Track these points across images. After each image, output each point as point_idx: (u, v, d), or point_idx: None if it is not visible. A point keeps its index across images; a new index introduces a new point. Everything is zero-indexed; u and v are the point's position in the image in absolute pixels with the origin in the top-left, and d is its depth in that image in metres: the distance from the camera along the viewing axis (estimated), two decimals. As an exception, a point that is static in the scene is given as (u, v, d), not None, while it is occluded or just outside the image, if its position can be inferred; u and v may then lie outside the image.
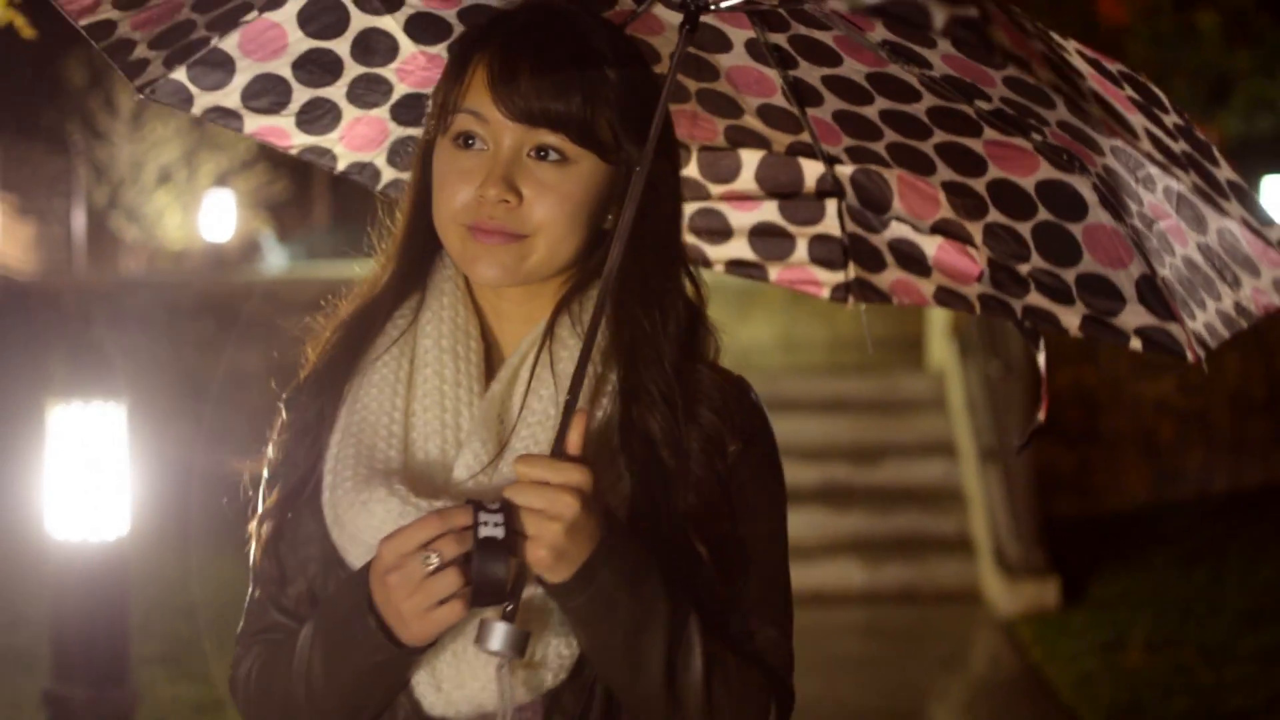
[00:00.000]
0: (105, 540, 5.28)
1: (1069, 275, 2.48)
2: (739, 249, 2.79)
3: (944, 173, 2.51)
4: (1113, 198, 2.39)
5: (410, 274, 2.24)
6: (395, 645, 2.04)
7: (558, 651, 2.10)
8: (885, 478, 11.32)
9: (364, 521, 2.11)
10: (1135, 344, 2.48)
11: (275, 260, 16.41)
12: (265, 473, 2.28)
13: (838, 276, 2.74)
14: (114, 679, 5.31)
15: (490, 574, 1.96)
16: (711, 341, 2.23)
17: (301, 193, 22.59)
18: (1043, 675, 8.40)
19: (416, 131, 2.48)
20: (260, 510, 2.27)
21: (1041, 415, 2.70)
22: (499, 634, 2.00)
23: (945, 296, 2.66)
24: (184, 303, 12.86)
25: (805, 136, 2.57)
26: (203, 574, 9.30)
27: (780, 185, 2.68)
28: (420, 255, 2.25)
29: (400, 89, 2.47)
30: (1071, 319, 2.51)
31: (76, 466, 5.28)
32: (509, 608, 2.01)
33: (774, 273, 2.79)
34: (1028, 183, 2.45)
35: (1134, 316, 2.45)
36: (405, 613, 2.01)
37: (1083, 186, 2.41)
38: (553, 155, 2.11)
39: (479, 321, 2.24)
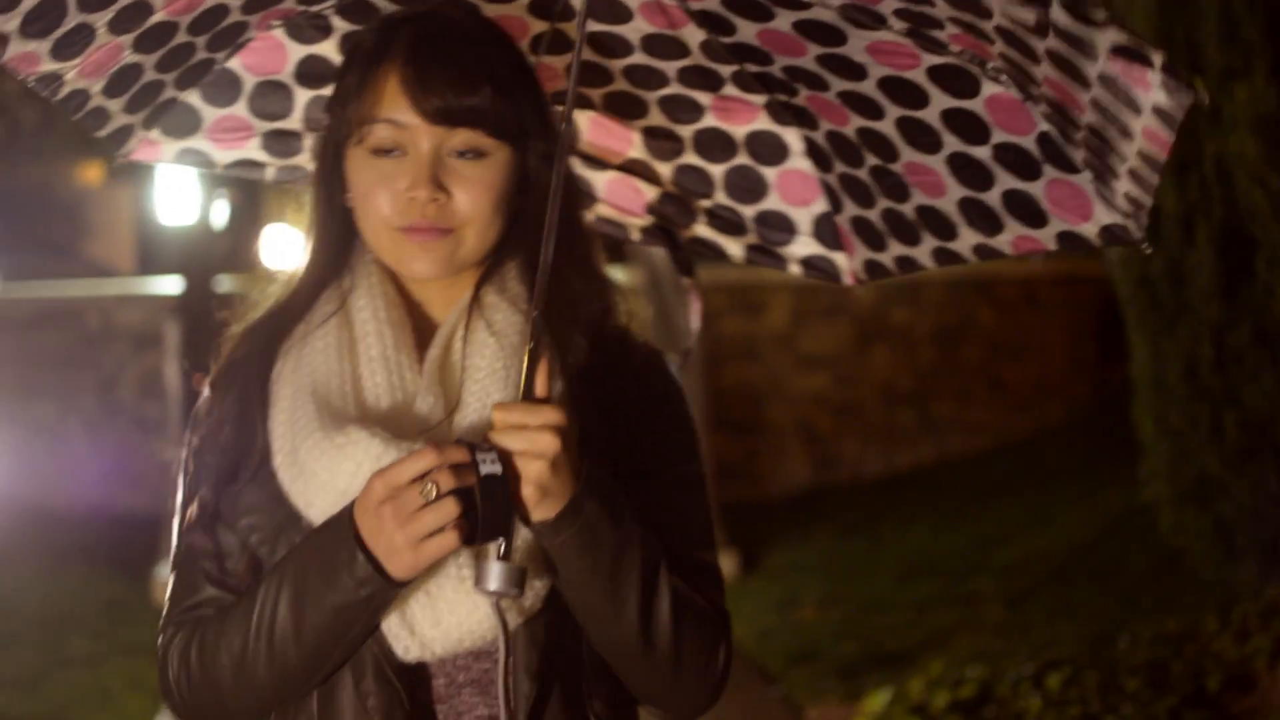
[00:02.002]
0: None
1: (749, 210, 2.67)
2: None
3: (654, 118, 2.63)
4: (829, 150, 2.54)
5: (328, 263, 2.25)
6: (383, 578, 2.03)
7: (530, 586, 2.10)
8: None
9: (340, 466, 2.10)
10: (794, 269, 2.69)
11: (-13, 282, 16.55)
12: (189, 461, 2.25)
13: None
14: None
15: (493, 507, 1.99)
16: (623, 307, 2.30)
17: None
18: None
19: (144, 58, 2.42)
20: (185, 493, 2.24)
21: (696, 324, 2.99)
22: (498, 573, 2.01)
23: (602, 224, 2.75)
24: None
25: None
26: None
27: None
28: (336, 246, 2.25)
29: (158, 16, 2.35)
30: (736, 248, 2.72)
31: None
32: (503, 547, 2.02)
33: None
34: (738, 131, 2.61)
35: (802, 247, 2.66)
36: (399, 543, 2.00)
37: (791, 137, 2.58)
38: (472, 153, 2.16)
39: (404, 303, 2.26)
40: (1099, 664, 6.05)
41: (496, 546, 2.02)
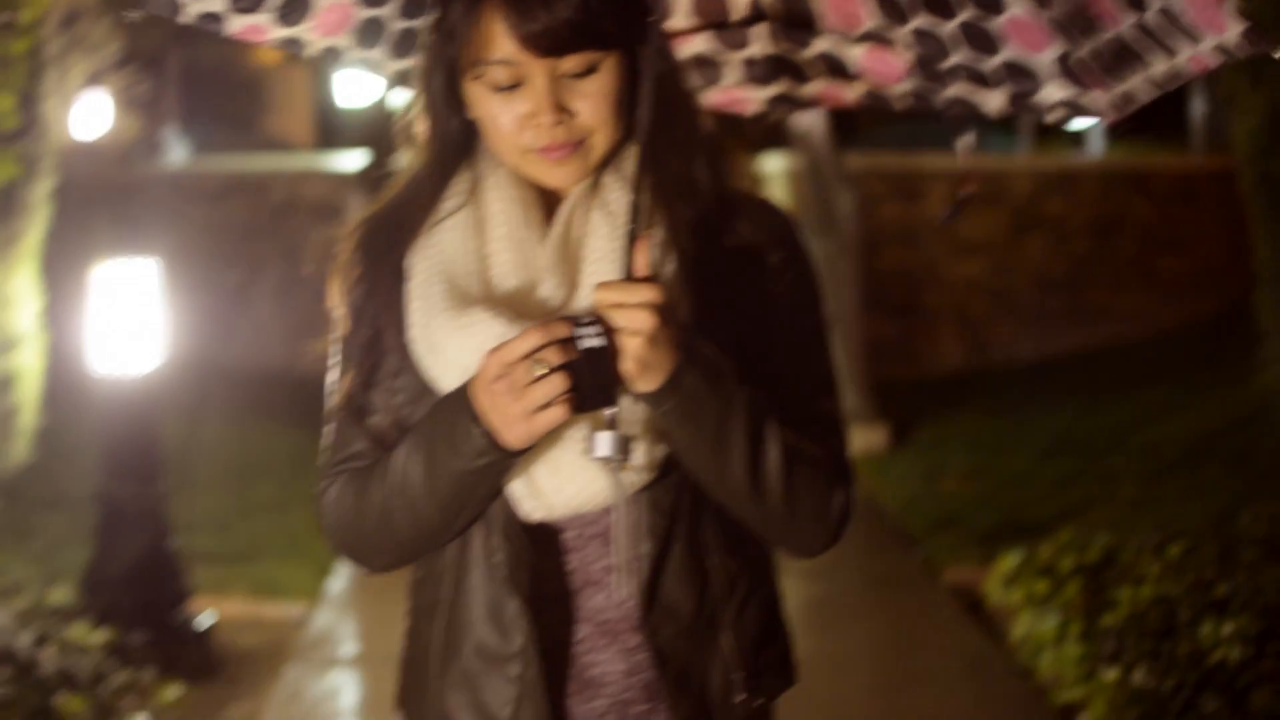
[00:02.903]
0: (141, 373, 6.32)
1: (990, 64, 2.58)
2: None
3: None
4: None
5: (450, 160, 2.34)
6: (497, 449, 2.16)
7: (648, 454, 2.22)
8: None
9: (466, 345, 2.21)
10: (1055, 116, 2.61)
11: (177, 155, 17.17)
12: (342, 326, 2.37)
13: (765, 93, 2.78)
14: (148, 478, 6.37)
15: (597, 380, 2.10)
16: (735, 171, 2.40)
17: (156, 93, 22.90)
18: (876, 501, 9.42)
19: (378, 11, 2.51)
20: (343, 357, 2.37)
21: (968, 190, 3.04)
22: (605, 441, 2.13)
23: (869, 99, 2.75)
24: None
25: None
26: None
27: (711, 16, 2.69)
28: (456, 147, 2.34)
29: None
30: (994, 103, 2.64)
31: (117, 312, 6.23)
32: (611, 416, 2.13)
33: (705, 98, 2.76)
34: None
35: (1055, 91, 2.57)
36: (511, 416, 2.13)
37: None
38: (586, 69, 2.23)
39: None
40: (1219, 537, 6.30)
41: (604, 417, 2.14)
